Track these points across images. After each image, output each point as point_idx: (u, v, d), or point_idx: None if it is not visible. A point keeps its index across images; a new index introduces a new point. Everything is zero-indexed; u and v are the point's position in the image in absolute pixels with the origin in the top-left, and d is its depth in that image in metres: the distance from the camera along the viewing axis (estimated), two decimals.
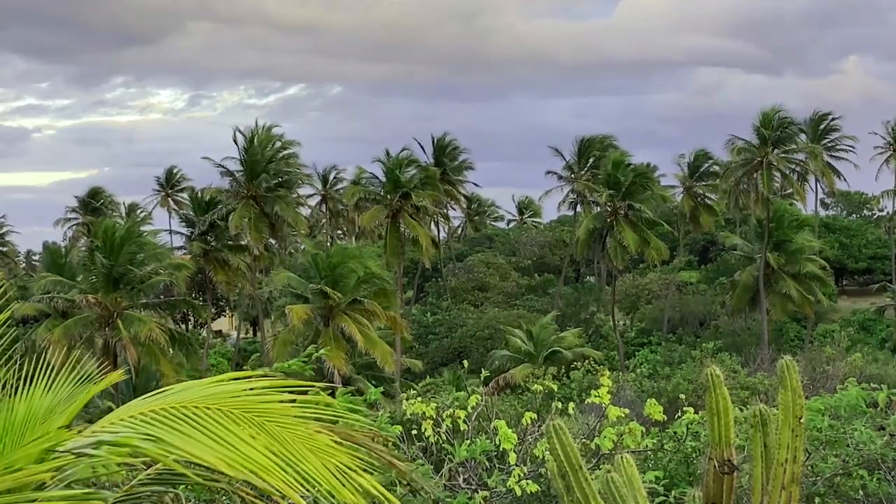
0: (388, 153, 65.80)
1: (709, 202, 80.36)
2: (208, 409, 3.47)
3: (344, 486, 3.32)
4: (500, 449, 9.28)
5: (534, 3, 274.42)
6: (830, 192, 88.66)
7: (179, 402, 3.52)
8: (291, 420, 3.58)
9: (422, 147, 79.27)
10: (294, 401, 3.81)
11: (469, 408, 10.22)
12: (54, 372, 4.16)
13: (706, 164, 79.41)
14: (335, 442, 3.59)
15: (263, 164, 61.81)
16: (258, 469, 3.19)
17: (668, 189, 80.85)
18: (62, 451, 3.39)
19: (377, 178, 66.27)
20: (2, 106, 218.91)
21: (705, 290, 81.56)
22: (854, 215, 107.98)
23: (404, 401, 10.51)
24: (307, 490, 3.24)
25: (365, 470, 3.54)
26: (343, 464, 3.45)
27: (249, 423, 3.43)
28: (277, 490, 3.36)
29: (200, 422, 3.40)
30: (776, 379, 6.63)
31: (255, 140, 62.11)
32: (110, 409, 3.93)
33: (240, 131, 62.27)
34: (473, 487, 9.27)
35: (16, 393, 4.01)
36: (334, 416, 4.09)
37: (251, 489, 3.74)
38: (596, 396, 9.82)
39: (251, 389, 3.80)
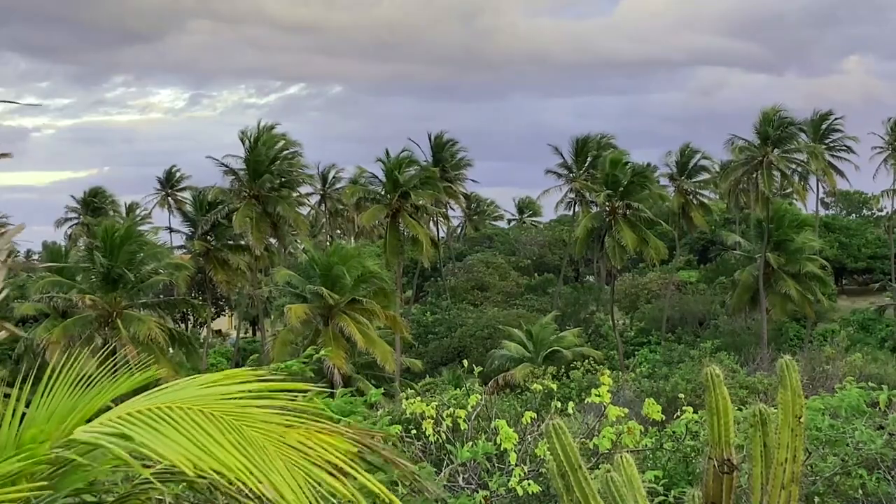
0: (387, 153, 65.91)
1: (703, 200, 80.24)
2: (190, 409, 3.51)
3: (314, 489, 3.36)
4: (501, 449, 9.27)
5: (534, 2, 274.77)
6: (832, 191, 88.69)
7: (165, 403, 3.55)
8: (273, 426, 3.61)
9: (419, 147, 79.49)
10: (285, 405, 3.83)
11: (469, 407, 10.22)
12: (69, 377, 4.15)
13: (695, 159, 79.14)
14: (325, 443, 3.60)
15: (267, 164, 61.93)
16: (222, 468, 3.23)
17: (665, 188, 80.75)
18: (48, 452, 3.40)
19: (377, 177, 66.36)
20: (1, 105, 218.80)
21: (705, 290, 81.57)
22: (854, 215, 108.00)
23: (404, 400, 10.51)
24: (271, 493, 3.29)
25: (367, 468, 3.54)
26: (316, 470, 3.48)
27: (224, 424, 3.46)
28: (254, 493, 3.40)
29: (178, 422, 3.43)
30: (775, 378, 6.62)
31: (260, 140, 62.24)
32: (109, 409, 3.93)
33: (246, 138, 62.44)
34: (474, 487, 9.27)
35: (42, 396, 4.00)
36: (325, 417, 4.10)
37: (248, 492, 3.76)
38: (596, 395, 9.82)
39: (248, 391, 3.81)
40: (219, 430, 3.43)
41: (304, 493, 3.30)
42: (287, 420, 3.69)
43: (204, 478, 3.69)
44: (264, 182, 61.47)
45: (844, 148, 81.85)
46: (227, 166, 62.74)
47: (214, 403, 3.61)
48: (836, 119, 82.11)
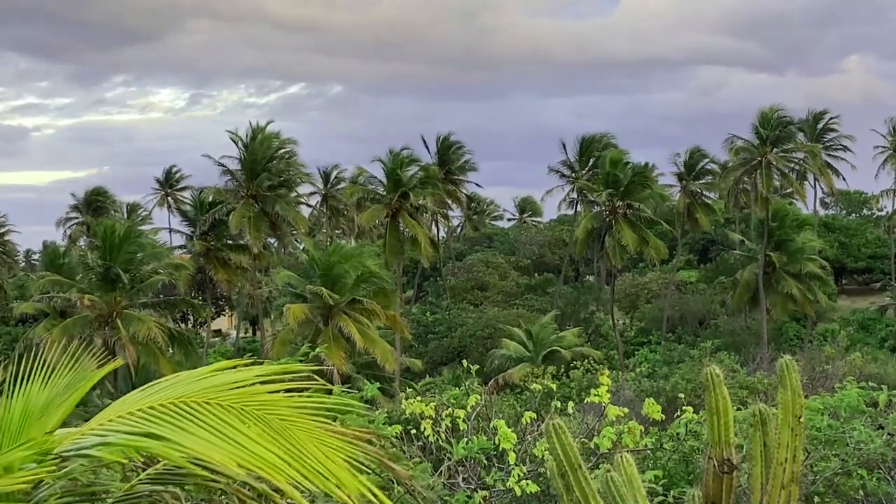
0: (389, 152, 65.82)
1: (707, 201, 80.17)
2: (208, 403, 3.43)
3: (353, 477, 3.29)
4: (500, 448, 9.26)
5: (534, 2, 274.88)
6: (830, 191, 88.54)
7: (178, 397, 3.48)
8: (293, 412, 3.54)
9: (426, 145, 79.52)
10: (291, 391, 3.77)
11: (468, 407, 10.21)
12: (50, 368, 4.14)
13: (702, 162, 79.10)
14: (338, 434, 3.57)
15: (263, 164, 61.85)
16: (267, 467, 3.15)
17: (666, 188, 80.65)
18: (61, 452, 3.35)
19: (377, 177, 66.30)
20: (1, 105, 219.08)
21: (705, 290, 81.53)
22: (854, 214, 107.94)
23: (403, 400, 10.50)
24: (315, 485, 3.20)
25: (363, 471, 3.51)
26: (350, 456, 3.42)
27: (251, 418, 3.40)
28: (276, 491, 3.34)
29: (203, 418, 3.35)
30: (775, 378, 6.61)
31: (257, 139, 62.15)
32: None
33: (239, 138, 62.38)
34: (473, 486, 9.26)
35: (12, 391, 3.99)
36: (333, 406, 4.06)
37: (248, 490, 3.72)
38: (595, 395, 9.81)
39: (249, 381, 3.75)
40: (244, 424, 3.36)
41: (353, 478, 3.23)
42: (305, 404, 3.64)
43: (216, 480, 3.66)
44: (262, 181, 61.39)
45: (841, 147, 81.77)
46: (223, 166, 62.72)
47: (230, 395, 3.54)
48: (831, 119, 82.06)
